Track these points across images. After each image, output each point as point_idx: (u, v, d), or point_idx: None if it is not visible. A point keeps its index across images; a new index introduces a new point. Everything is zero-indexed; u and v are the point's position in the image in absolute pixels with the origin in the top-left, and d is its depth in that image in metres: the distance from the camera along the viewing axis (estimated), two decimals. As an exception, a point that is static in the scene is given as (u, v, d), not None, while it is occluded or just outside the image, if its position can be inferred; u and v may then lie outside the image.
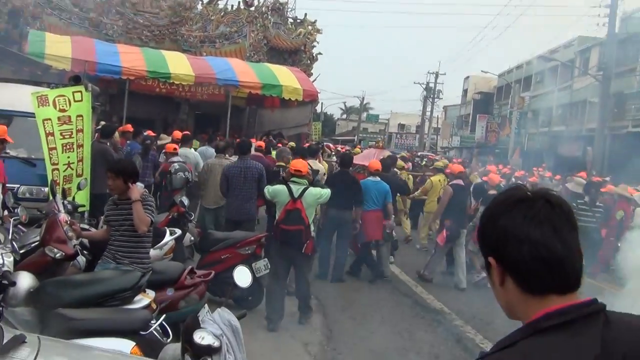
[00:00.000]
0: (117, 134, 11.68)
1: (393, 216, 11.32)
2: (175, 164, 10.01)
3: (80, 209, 8.17)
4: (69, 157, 8.50)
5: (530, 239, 1.62)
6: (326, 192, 8.28)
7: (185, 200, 8.97)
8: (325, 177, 11.29)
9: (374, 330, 8.07)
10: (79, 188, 7.96)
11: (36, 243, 6.36)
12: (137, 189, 5.95)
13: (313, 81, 26.48)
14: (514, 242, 1.64)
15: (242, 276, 4.12)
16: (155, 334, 4.55)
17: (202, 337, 3.47)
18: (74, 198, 7.96)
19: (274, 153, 12.88)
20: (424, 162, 20.87)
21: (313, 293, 9.38)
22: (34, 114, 8.49)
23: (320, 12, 54.30)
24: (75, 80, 9.20)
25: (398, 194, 12.50)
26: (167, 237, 7.98)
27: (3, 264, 4.85)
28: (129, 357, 3.91)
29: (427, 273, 11.15)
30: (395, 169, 13.50)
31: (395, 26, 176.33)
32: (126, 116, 21.37)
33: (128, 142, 13.56)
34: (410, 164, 19.76)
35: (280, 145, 16.40)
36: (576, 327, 1.59)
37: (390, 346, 7.63)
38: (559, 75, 39.01)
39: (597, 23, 35.95)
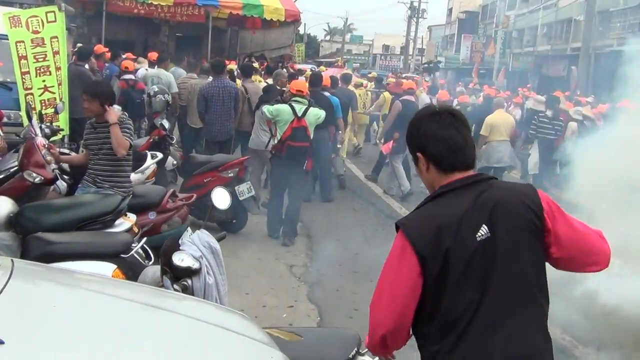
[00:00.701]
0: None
1: (340, 132, 11.59)
2: (155, 87, 9.83)
3: (60, 133, 8.04)
4: (44, 81, 8.30)
5: (443, 137, 2.56)
6: (323, 113, 8.53)
7: (166, 123, 8.84)
8: None
9: (358, 252, 8.13)
10: (56, 112, 7.81)
11: (15, 168, 6.27)
12: (114, 112, 5.83)
13: (295, 1, 25.93)
14: (432, 141, 2.58)
15: (221, 198, 4.08)
16: (137, 256, 4.54)
17: (181, 259, 3.46)
18: (51, 122, 7.81)
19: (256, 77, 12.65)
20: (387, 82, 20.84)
21: (298, 216, 9.45)
22: (7, 35, 8.26)
23: None
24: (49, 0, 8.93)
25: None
26: (149, 161, 7.89)
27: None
28: (110, 280, 3.90)
29: (397, 188, 11.63)
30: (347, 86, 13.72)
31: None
32: (105, 39, 20.89)
33: (107, 64, 13.30)
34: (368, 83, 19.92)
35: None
36: (460, 191, 2.54)
37: (374, 266, 7.66)
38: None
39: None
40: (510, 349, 2.42)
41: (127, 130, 5.84)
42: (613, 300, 5.39)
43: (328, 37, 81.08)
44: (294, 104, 8.29)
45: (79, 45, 13.05)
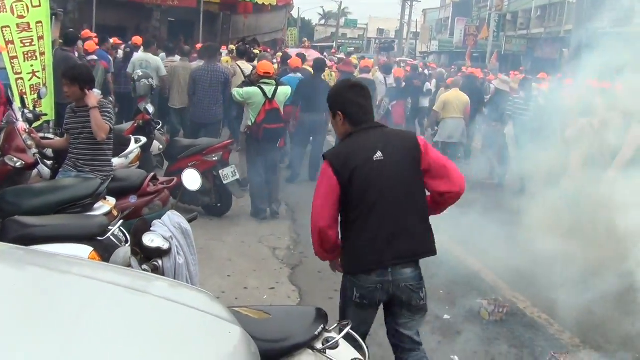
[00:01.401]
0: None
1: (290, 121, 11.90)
2: (139, 71, 9.85)
3: (43, 118, 8.07)
4: (32, 66, 8.32)
5: (358, 103, 3.91)
6: (289, 89, 9.08)
7: (151, 108, 8.87)
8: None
9: (342, 234, 8.19)
10: (39, 97, 7.83)
11: (-3, 153, 6.31)
12: (94, 96, 5.86)
13: (287, -15, 25.88)
14: (349, 105, 3.91)
15: (191, 179, 4.14)
16: (113, 239, 4.59)
17: (151, 240, 3.51)
18: (34, 107, 7.84)
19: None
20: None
21: (283, 199, 9.49)
22: (-8, 21, 8.25)
23: None
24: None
25: None
26: (132, 145, 7.93)
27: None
28: (85, 261, 3.95)
29: None
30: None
31: None
32: (96, 24, 20.85)
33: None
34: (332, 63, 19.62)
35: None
36: (362, 132, 3.87)
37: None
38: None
39: None
40: (394, 226, 3.77)
41: (107, 114, 5.87)
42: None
43: (323, 21, 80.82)
44: (263, 86, 8.54)
45: (70, 30, 13.04)
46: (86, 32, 13.81)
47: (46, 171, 6.56)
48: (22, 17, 8.14)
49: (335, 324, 3.35)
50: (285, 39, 29.18)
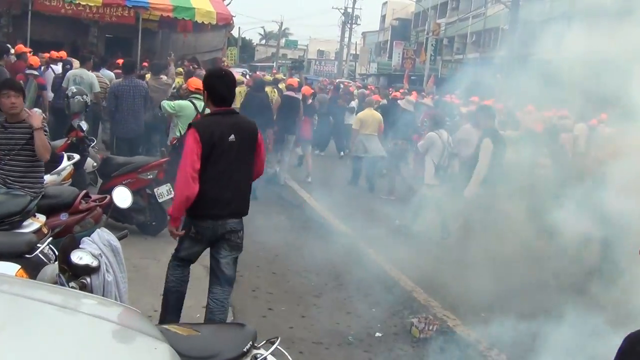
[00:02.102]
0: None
1: None
2: (73, 87, 9.71)
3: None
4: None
5: (221, 88, 5.12)
6: None
7: (84, 125, 8.75)
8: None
9: (277, 253, 8.23)
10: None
11: None
12: (37, 115, 5.77)
13: (228, 4, 25.86)
14: (218, 89, 5.10)
15: (122, 197, 4.12)
16: (41, 256, 4.51)
17: (79, 257, 3.49)
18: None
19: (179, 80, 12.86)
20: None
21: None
22: None
23: None
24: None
25: None
26: (65, 162, 7.81)
27: None
28: (11, 278, 3.89)
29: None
30: None
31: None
32: (31, 39, 20.39)
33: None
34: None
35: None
36: (222, 115, 5.12)
37: (292, 268, 7.83)
38: (473, 2, 39.40)
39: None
40: (229, 187, 5.05)
41: (46, 133, 5.82)
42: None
43: (263, 41, 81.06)
44: (194, 101, 8.94)
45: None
46: (20, 47, 13.54)
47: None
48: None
49: (264, 341, 3.37)
50: (225, 58, 29.08)
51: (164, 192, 8.15)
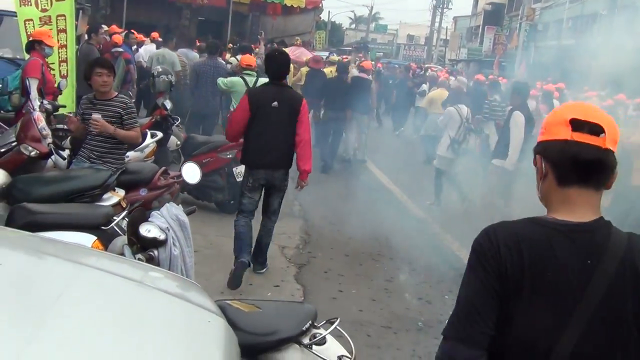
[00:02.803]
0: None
1: None
2: (158, 67, 9.99)
3: (61, 110, 8.20)
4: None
5: (274, 65, 6.38)
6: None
7: (168, 104, 8.97)
8: None
9: (352, 236, 8.23)
10: (59, 89, 7.97)
11: (14, 142, 6.45)
12: (103, 122, 5.84)
13: (317, -12, 25.96)
14: (271, 66, 6.40)
15: (191, 173, 4.20)
16: (117, 229, 4.67)
17: (148, 230, 3.58)
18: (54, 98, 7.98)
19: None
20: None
21: (297, 199, 9.56)
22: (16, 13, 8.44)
23: None
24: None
25: None
26: (148, 140, 8.02)
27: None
28: (87, 249, 4.03)
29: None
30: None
31: None
32: (126, 21, 21.12)
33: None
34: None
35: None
36: (273, 85, 6.35)
37: (365, 251, 7.80)
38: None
39: None
40: (269, 142, 6.18)
41: (134, 116, 6.02)
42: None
43: (353, 26, 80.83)
44: (245, 77, 9.63)
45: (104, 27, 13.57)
46: (113, 28, 14.08)
47: (61, 161, 6.66)
48: (45, 10, 8.31)
49: (324, 321, 3.37)
50: (313, 42, 29.21)
51: (242, 172, 8.23)
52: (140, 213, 3.73)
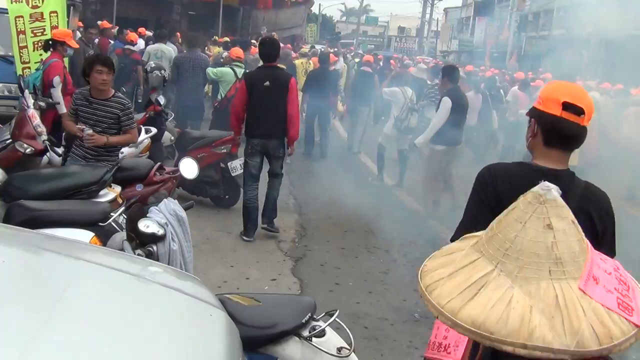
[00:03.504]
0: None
1: None
2: (151, 62, 9.99)
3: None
4: (41, 55, 8.46)
5: (265, 51, 7.58)
6: None
7: (162, 99, 8.97)
8: None
9: (347, 229, 8.27)
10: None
11: (9, 140, 6.45)
12: (98, 136, 5.88)
13: (307, -19, 25.91)
14: (263, 51, 7.60)
15: (189, 168, 4.22)
16: (114, 225, 4.69)
17: (146, 226, 3.60)
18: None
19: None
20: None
21: (291, 193, 9.59)
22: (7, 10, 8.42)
23: None
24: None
25: None
26: (142, 135, 8.02)
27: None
28: (86, 245, 4.05)
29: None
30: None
31: None
32: (117, 16, 21.05)
33: (111, 42, 13.46)
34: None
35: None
36: (266, 68, 7.48)
37: (361, 244, 7.84)
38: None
39: None
40: (263, 116, 7.18)
41: (131, 117, 6.03)
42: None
43: (344, 18, 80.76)
44: (234, 68, 10.48)
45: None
46: (104, 24, 14.04)
47: (56, 158, 6.68)
48: (36, 7, 8.30)
49: (323, 313, 3.40)
50: (304, 35, 29.19)
51: (237, 166, 8.27)
52: (138, 209, 3.75)
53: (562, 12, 38.78)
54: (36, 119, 6.27)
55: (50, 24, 8.39)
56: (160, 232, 3.62)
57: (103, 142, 5.85)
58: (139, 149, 7.96)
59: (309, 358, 3.18)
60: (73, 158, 5.96)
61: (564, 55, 32.36)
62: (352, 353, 3.26)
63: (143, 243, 3.63)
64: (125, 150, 7.60)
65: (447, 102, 8.71)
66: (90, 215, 4.65)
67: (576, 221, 1.48)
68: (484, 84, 14.04)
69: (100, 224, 4.64)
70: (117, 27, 14.65)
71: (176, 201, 3.91)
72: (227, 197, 8.50)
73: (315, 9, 49.88)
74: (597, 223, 2.72)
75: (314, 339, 3.23)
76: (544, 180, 1.50)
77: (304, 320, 3.28)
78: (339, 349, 3.24)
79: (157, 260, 3.61)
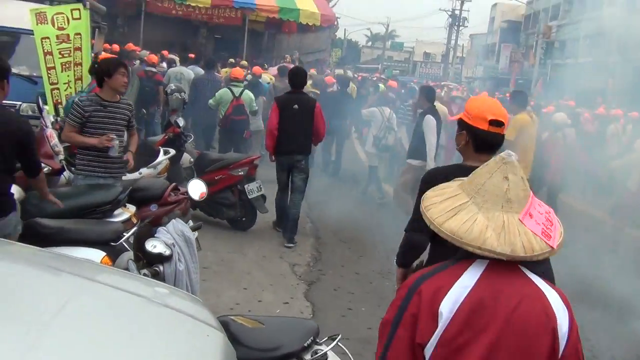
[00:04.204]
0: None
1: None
2: (172, 85, 10.12)
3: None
4: (68, 76, 8.61)
5: (295, 78, 8.44)
6: (252, 96, 11.35)
7: (181, 121, 9.06)
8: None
9: (362, 254, 8.25)
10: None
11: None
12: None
13: (333, 6, 26.12)
14: (292, 79, 8.43)
15: (196, 189, 4.25)
16: (126, 245, 4.72)
17: (153, 246, 3.63)
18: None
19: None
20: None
21: (309, 216, 9.59)
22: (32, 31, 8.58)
23: None
24: (77, -2, 9.23)
25: None
26: (161, 157, 8.12)
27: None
28: (92, 264, 4.08)
29: None
30: None
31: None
32: (144, 39, 21.32)
33: (135, 63, 13.65)
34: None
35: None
36: (294, 93, 8.35)
37: (376, 269, 7.81)
38: (588, 3, 37.87)
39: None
40: (292, 135, 8.08)
41: (134, 117, 6.16)
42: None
43: (369, 43, 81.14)
44: (232, 87, 10.93)
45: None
46: (129, 46, 14.24)
47: (73, 177, 6.75)
48: (62, 28, 8.45)
49: (326, 337, 3.39)
50: (329, 59, 29.34)
51: (254, 189, 8.31)
52: (146, 229, 3.79)
53: (588, 40, 38.63)
54: (54, 139, 6.36)
55: (74, 45, 8.53)
56: (167, 252, 3.65)
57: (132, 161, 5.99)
58: (157, 170, 8.04)
59: (310, 382, 3.17)
60: (84, 175, 5.96)
61: (589, 83, 32.24)
62: (354, 378, 3.24)
63: (150, 263, 3.66)
64: (144, 171, 7.69)
65: (431, 121, 9.32)
66: (103, 234, 4.69)
67: (525, 177, 2.11)
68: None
69: (112, 243, 4.68)
70: (141, 50, 14.83)
71: (183, 222, 3.93)
72: (243, 219, 8.53)
73: (340, 33, 50.27)
74: None
75: (316, 362, 3.22)
76: None
77: (306, 344, 3.27)
78: (341, 374, 3.22)
79: (164, 280, 3.63)
